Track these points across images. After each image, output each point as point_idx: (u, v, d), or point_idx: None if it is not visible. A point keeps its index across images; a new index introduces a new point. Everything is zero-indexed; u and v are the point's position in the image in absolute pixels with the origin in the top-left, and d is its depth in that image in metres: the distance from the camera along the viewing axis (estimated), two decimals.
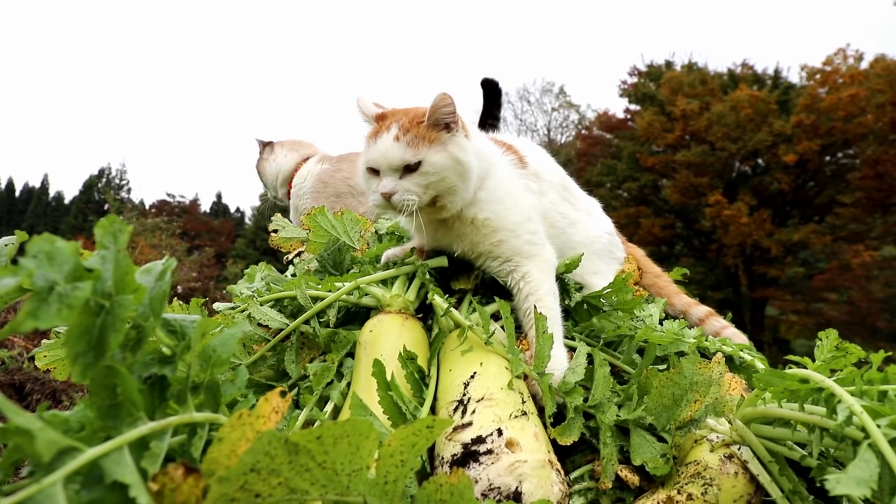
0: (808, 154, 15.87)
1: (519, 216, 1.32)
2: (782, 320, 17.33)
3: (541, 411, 1.00)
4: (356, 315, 1.29)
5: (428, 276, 1.26)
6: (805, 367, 0.92)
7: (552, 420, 0.98)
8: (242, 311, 1.27)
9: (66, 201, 46.03)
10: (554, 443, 0.95)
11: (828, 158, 16.92)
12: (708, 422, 0.97)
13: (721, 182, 17.49)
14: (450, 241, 1.33)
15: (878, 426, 0.72)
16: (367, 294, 1.23)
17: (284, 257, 1.73)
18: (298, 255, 1.69)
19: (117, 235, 0.62)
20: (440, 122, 1.22)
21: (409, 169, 1.20)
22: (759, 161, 17.87)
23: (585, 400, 1.02)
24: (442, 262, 1.31)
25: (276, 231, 1.72)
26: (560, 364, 1.10)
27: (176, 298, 1.49)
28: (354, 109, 1.32)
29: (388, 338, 1.09)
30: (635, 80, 20.64)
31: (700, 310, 1.75)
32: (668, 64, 20.26)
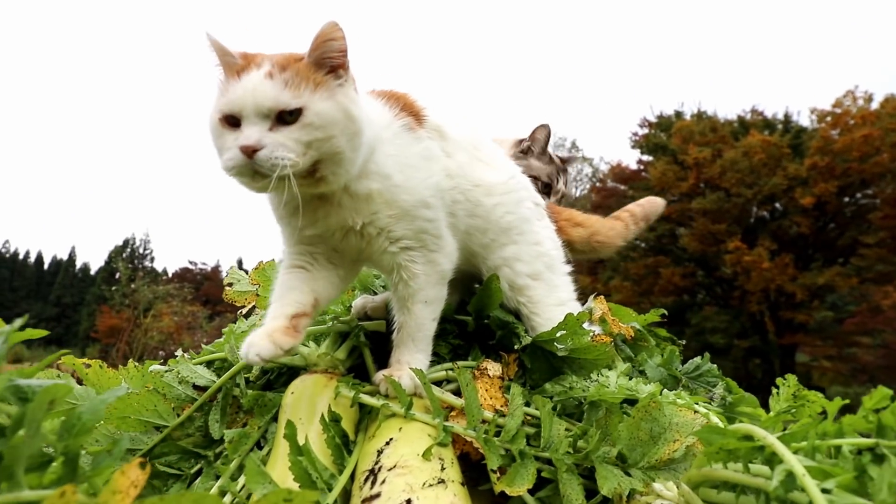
0: (826, 196, 15.68)
1: (411, 197, 1.08)
2: (814, 367, 16.59)
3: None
4: (294, 374, 1.21)
5: (363, 338, 1.17)
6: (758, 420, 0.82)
7: (498, 474, 0.89)
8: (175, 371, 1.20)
9: (92, 272, 47.21)
10: None
11: (846, 199, 16.69)
12: (654, 486, 0.86)
13: (739, 228, 17.28)
14: (342, 218, 1.06)
15: (826, 490, 0.62)
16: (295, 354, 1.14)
17: (238, 312, 1.65)
18: (253, 309, 1.61)
19: None
20: (325, 63, 0.96)
21: (282, 120, 0.92)
22: (777, 205, 17.69)
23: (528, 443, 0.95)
24: (380, 326, 1.23)
25: (230, 285, 1.65)
26: (409, 372, 1.05)
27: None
28: (206, 49, 0.99)
29: (309, 399, 1.00)
30: (646, 130, 20.81)
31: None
32: (678, 114, 20.44)
